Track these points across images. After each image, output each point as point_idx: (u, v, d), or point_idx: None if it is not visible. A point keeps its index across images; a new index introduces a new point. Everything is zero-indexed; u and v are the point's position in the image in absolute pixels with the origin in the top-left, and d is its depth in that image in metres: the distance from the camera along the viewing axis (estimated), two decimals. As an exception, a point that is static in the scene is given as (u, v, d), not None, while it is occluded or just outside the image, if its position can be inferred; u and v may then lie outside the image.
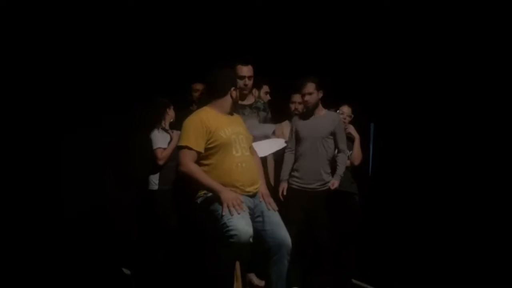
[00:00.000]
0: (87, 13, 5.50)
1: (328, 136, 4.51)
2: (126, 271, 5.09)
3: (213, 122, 3.55)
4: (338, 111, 4.90)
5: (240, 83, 4.33)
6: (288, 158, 4.54)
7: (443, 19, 5.56)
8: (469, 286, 4.67)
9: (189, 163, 3.48)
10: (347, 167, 4.75)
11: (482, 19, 5.37)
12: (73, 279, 4.84)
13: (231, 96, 3.67)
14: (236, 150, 3.54)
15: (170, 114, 4.88)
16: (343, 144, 4.59)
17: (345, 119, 4.93)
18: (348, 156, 4.84)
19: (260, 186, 3.63)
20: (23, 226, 5.42)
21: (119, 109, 5.54)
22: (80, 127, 5.58)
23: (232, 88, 3.66)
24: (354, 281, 4.89)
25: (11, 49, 5.41)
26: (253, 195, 3.56)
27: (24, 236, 5.37)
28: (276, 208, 3.60)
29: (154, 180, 4.73)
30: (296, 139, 4.55)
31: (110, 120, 5.55)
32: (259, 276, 4.57)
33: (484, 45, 5.42)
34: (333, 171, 4.56)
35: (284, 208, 3.89)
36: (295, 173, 4.51)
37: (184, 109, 4.73)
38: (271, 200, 3.61)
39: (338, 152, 4.58)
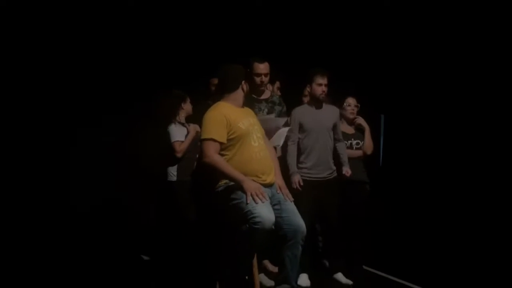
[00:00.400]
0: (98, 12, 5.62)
1: (332, 128, 4.63)
2: (145, 257, 5.30)
3: (231, 115, 3.71)
4: (344, 103, 5.00)
5: (257, 80, 4.41)
6: (292, 150, 4.56)
7: (456, 9, 5.61)
8: (476, 271, 4.79)
9: (213, 154, 3.63)
10: (359, 157, 4.93)
11: (488, 8, 5.45)
12: (96, 263, 5.09)
13: (242, 89, 3.83)
14: (254, 140, 3.72)
15: (186, 108, 4.90)
16: (340, 134, 4.74)
17: (353, 110, 5.03)
18: (360, 146, 5.00)
19: (277, 178, 3.81)
20: (49, 216, 5.64)
21: (132, 106, 5.69)
22: (91, 124, 5.75)
23: (243, 82, 3.82)
24: (364, 267, 5.00)
25: (14, 49, 5.53)
26: (270, 185, 3.74)
27: (50, 224, 5.59)
28: (292, 199, 3.79)
29: (173, 172, 4.82)
30: (300, 131, 4.58)
31: (120, 117, 5.70)
32: (273, 263, 4.73)
33: (495, 38, 5.49)
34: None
35: (296, 198, 4.00)
36: (303, 165, 4.57)
37: (201, 103, 4.81)
38: (287, 191, 3.81)
39: (338, 141, 4.70)
